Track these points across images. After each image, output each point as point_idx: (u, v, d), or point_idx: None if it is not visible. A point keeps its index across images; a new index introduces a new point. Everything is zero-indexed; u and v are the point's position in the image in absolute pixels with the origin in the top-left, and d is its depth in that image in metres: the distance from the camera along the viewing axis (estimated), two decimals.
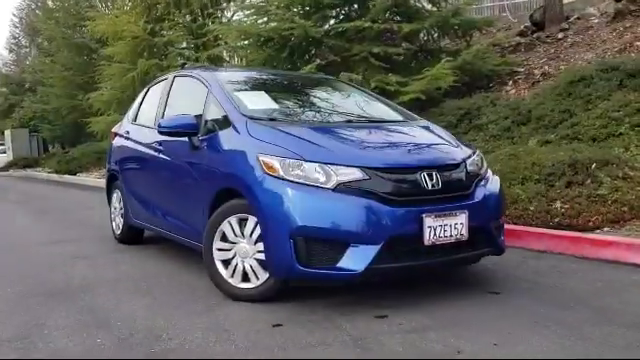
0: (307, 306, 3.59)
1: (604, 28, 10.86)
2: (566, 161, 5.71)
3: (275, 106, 4.39)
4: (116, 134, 6.25)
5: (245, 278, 3.74)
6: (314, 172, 3.44)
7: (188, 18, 15.09)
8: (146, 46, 14.61)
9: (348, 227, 3.33)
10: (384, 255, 3.35)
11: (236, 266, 3.77)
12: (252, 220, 3.67)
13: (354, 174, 3.43)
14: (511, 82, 10.24)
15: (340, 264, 3.34)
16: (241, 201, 3.73)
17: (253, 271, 3.71)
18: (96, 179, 15.15)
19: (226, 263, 3.82)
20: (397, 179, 3.49)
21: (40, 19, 26.83)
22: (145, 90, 6.08)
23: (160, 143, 4.89)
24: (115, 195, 6.19)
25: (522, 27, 12.68)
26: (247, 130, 3.86)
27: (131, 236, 5.95)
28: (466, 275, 4.21)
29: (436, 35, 10.99)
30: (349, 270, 3.33)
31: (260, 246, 3.63)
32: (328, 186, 3.39)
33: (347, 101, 4.91)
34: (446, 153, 3.89)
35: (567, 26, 11.49)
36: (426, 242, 3.42)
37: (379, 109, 4.79)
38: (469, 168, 3.82)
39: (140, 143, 5.43)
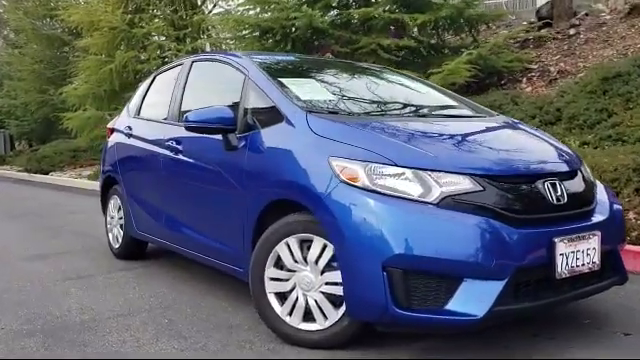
0: (391, 353, 2.77)
1: (619, 24, 10.46)
2: (630, 165, 5.08)
3: (331, 96, 3.52)
4: (113, 130, 5.28)
5: (308, 317, 2.89)
6: (410, 181, 2.61)
7: (168, 10, 14.14)
8: (124, 37, 13.63)
9: (461, 256, 2.48)
10: (508, 293, 2.52)
11: (296, 301, 2.91)
12: (319, 242, 2.82)
13: (462, 183, 2.60)
14: (525, 79, 9.72)
15: (451, 306, 2.49)
16: (303, 217, 2.88)
17: (319, 308, 2.84)
18: (72, 179, 14.09)
19: (282, 297, 2.97)
20: (518, 190, 2.68)
21: (7, 9, 25.44)
22: (150, 79, 5.13)
23: (179, 141, 4.00)
24: (113, 202, 5.21)
25: (526, 23, 12.16)
26: (308, 125, 3.00)
27: (133, 250, 5.01)
28: (568, 307, 3.38)
29: (441, 29, 10.42)
30: (464, 315, 2.47)
31: (329, 276, 2.79)
32: (430, 200, 2.56)
33: (407, 92, 4.06)
34: (560, 156, 3.09)
35: (577, 22, 11.03)
36: (558, 275, 2.62)
37: (447, 102, 3.93)
38: (586, 176, 3.05)
39: (147, 141, 4.50)
